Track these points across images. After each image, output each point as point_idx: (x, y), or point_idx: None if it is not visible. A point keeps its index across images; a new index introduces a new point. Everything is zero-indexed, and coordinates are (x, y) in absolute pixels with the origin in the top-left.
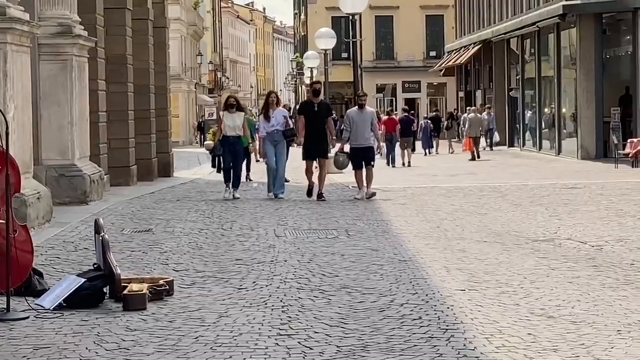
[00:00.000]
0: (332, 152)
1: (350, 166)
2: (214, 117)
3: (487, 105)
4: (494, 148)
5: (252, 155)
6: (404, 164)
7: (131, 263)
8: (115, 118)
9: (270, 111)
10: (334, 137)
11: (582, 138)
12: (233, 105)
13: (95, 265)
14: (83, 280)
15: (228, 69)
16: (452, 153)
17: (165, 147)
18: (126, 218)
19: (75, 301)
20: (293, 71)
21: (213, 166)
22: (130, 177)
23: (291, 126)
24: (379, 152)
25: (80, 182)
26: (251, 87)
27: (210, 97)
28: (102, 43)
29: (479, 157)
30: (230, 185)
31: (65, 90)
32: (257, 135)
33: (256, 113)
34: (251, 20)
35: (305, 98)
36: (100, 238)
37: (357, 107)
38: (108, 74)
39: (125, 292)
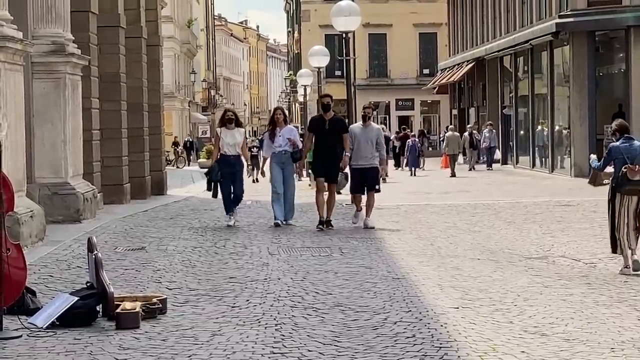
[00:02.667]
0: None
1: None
2: (207, 135)
3: (488, 122)
4: (492, 166)
5: (247, 175)
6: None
7: (124, 281)
8: (108, 136)
9: (277, 129)
10: (348, 154)
11: (575, 155)
12: (232, 120)
13: (88, 284)
14: (76, 298)
15: (222, 86)
16: (423, 170)
17: (158, 165)
18: (119, 236)
19: (68, 320)
20: (287, 89)
21: (209, 189)
22: (123, 195)
23: (300, 147)
24: (382, 178)
25: (74, 200)
26: (245, 105)
27: (204, 115)
28: (95, 61)
29: (454, 174)
30: (232, 211)
31: (59, 108)
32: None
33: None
34: (245, 38)
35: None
36: (93, 256)
37: (360, 122)
38: (101, 92)
39: (118, 310)
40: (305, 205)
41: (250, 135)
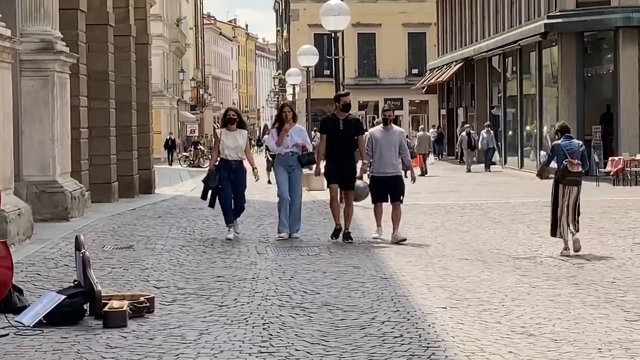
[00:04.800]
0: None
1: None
2: (196, 134)
3: (487, 123)
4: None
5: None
6: None
7: (112, 280)
8: (96, 134)
9: (286, 127)
10: (365, 161)
11: None
12: (234, 120)
13: (75, 282)
14: (63, 297)
15: (210, 85)
16: None
17: (146, 163)
18: (107, 235)
19: (56, 318)
20: (275, 88)
21: (203, 197)
22: (111, 194)
23: (310, 150)
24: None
25: (61, 198)
26: (233, 103)
27: (193, 114)
28: (84, 59)
29: (427, 172)
30: (232, 222)
31: (47, 106)
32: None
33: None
34: (234, 37)
35: (330, 114)
36: (81, 255)
37: (381, 124)
38: (90, 90)
39: (105, 309)
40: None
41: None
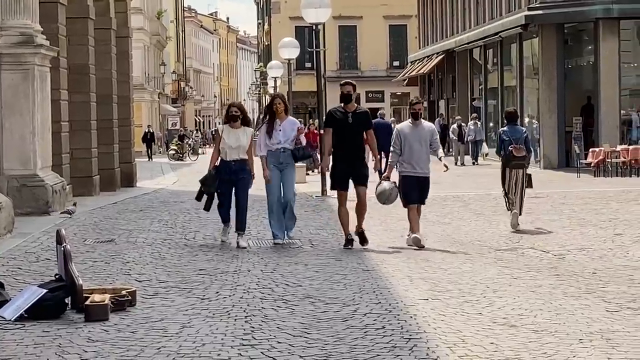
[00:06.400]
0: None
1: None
2: (177, 126)
3: (474, 115)
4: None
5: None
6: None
7: (93, 274)
8: (77, 128)
9: (276, 122)
10: (377, 156)
11: (544, 147)
12: (236, 117)
13: (57, 276)
14: (44, 291)
15: (191, 78)
16: None
17: (128, 157)
18: (88, 228)
19: (37, 312)
20: (257, 81)
21: (198, 198)
22: (92, 187)
23: (303, 144)
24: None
25: (42, 192)
26: (215, 96)
27: (174, 107)
28: (64, 53)
29: None
30: (232, 229)
31: (27, 100)
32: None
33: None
34: (215, 30)
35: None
36: (62, 248)
37: (410, 119)
38: (70, 84)
39: (87, 302)
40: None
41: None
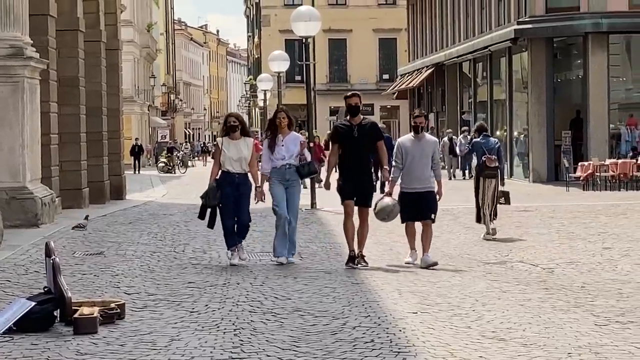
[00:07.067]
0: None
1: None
2: (167, 139)
3: (464, 128)
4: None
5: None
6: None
7: (82, 286)
8: (67, 140)
9: (278, 137)
10: (386, 167)
11: (533, 161)
12: (235, 127)
13: (45, 289)
14: (33, 303)
15: (181, 91)
16: None
17: (117, 169)
18: (77, 241)
19: (25, 325)
20: (247, 94)
21: (201, 217)
22: (82, 200)
23: (308, 160)
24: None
25: (32, 204)
26: (204, 109)
27: (164, 120)
28: (54, 65)
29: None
30: (235, 245)
31: (17, 112)
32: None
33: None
34: (205, 43)
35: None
36: (51, 261)
37: (411, 133)
38: (60, 96)
39: (76, 315)
40: (265, 210)
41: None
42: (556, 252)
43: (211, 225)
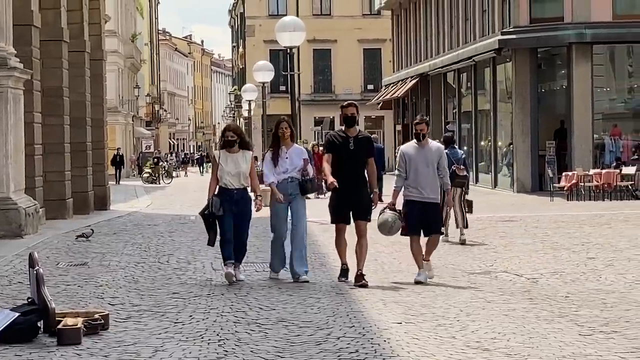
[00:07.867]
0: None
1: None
2: (152, 149)
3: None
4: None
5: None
6: None
7: (66, 297)
8: (51, 151)
9: (282, 149)
10: (376, 190)
11: (517, 171)
12: (232, 142)
13: (29, 300)
14: (17, 314)
15: (166, 101)
16: None
17: (101, 180)
18: (61, 252)
19: (9, 336)
20: (231, 104)
21: (211, 244)
22: (66, 211)
23: (311, 175)
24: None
25: (15, 215)
26: (189, 119)
27: (148, 130)
28: (38, 75)
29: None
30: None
31: (0, 123)
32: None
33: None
34: (189, 53)
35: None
36: (35, 272)
37: (414, 140)
38: (44, 107)
39: (59, 326)
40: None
41: (196, 151)
42: (540, 262)
43: (212, 243)
